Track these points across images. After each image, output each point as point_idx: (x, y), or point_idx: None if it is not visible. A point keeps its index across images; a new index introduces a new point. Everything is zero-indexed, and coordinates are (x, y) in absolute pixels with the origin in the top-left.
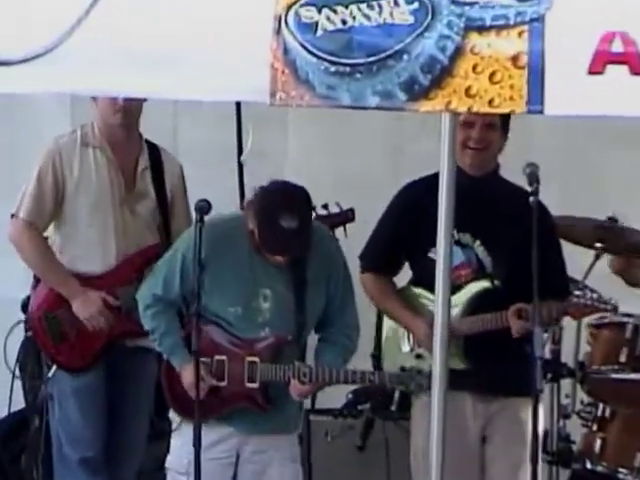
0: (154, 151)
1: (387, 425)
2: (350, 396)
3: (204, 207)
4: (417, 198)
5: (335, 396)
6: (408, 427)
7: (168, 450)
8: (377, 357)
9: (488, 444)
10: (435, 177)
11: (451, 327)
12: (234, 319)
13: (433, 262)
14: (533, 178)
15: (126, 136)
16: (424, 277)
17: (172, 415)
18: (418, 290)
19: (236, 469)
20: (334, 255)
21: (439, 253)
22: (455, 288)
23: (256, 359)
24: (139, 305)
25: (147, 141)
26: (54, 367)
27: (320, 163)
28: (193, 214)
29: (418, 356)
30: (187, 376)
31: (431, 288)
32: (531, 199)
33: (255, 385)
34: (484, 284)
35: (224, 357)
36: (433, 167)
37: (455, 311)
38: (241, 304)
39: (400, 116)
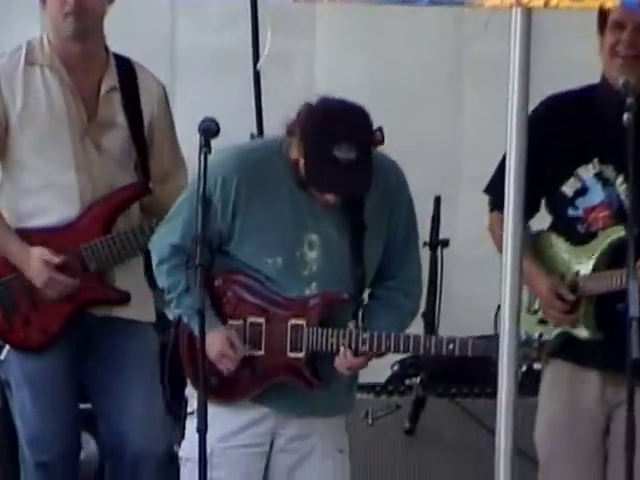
0: (126, 67)
1: (442, 404)
2: (396, 368)
3: (211, 128)
4: (560, 115)
5: (377, 368)
6: (468, 406)
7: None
8: (430, 317)
9: (612, 438)
10: (583, 91)
11: (579, 285)
12: (273, 273)
13: (565, 200)
14: None
15: (84, 49)
16: (558, 220)
17: (189, 392)
18: (553, 238)
19: (268, 461)
20: (397, 190)
21: (508, 198)
22: (588, 236)
23: (302, 322)
24: (152, 259)
25: (116, 55)
26: (6, 347)
27: (355, 71)
28: (187, 153)
29: (542, 321)
30: (214, 344)
31: (566, 236)
32: None
33: (300, 354)
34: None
35: (261, 320)
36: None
37: (587, 265)
38: (282, 254)
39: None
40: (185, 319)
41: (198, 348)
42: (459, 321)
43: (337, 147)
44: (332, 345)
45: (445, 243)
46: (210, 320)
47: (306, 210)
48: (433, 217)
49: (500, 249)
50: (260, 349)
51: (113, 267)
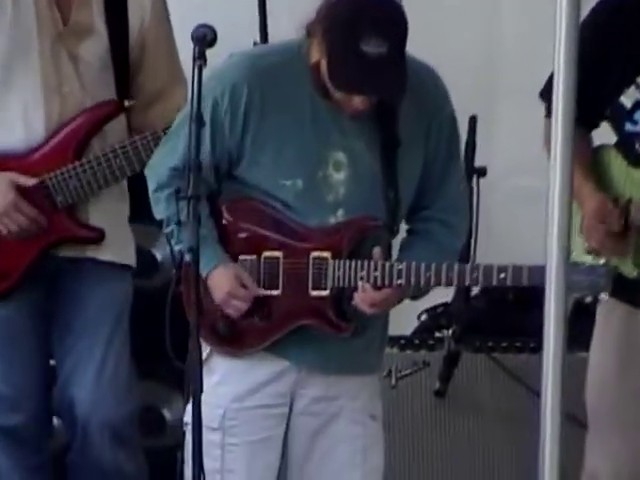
0: None
1: (479, 360)
2: (424, 318)
3: (206, 35)
4: (618, 19)
5: (401, 318)
6: (508, 363)
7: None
8: (465, 255)
9: None
10: None
11: (630, 213)
12: (292, 198)
13: (624, 112)
14: None
15: None
16: (617, 136)
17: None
18: (612, 155)
19: (287, 426)
20: (437, 102)
21: (556, 107)
22: None
23: (326, 255)
24: (148, 185)
25: None
26: None
27: None
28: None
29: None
30: (221, 284)
31: (624, 154)
32: None
33: (324, 293)
34: None
35: (278, 254)
36: None
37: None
38: (302, 175)
39: None
40: (186, 256)
41: (198, 293)
42: (498, 260)
43: (365, 40)
44: (362, 280)
45: (482, 172)
46: (216, 256)
47: (331, 123)
48: (467, 141)
49: None
50: (277, 288)
51: (85, 200)
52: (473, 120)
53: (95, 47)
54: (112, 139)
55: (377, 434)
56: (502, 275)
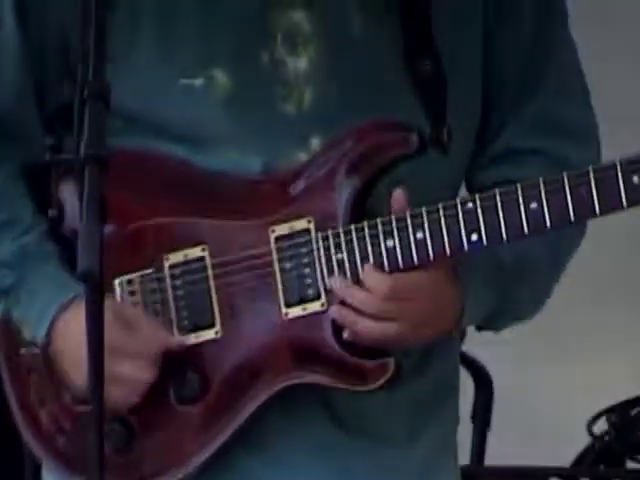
0: None
1: None
2: (599, 428)
3: None
4: None
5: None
6: None
7: None
8: None
9: None
10: None
11: None
12: (207, 117)
13: None
14: None
15: None
16: None
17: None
18: None
19: None
20: None
21: None
22: None
23: (304, 224)
24: None
25: None
26: None
27: None
28: None
29: None
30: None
31: None
32: None
33: (315, 306)
34: None
35: (198, 251)
36: None
37: None
38: (223, 62)
39: None
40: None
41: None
42: None
43: None
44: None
45: None
46: (59, 291)
47: None
48: None
49: None
50: (211, 326)
51: None
52: None
53: None
54: None
55: None
56: None
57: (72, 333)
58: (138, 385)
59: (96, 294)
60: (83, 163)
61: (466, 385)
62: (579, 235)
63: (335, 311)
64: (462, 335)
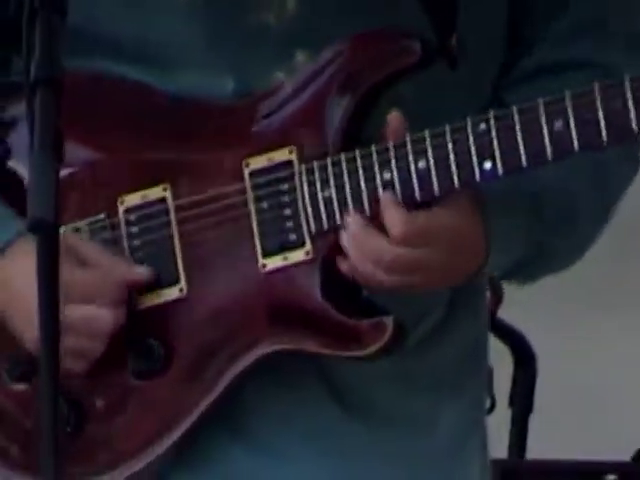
0: None
1: None
2: None
3: None
4: None
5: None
6: None
7: None
8: None
9: None
10: None
11: None
12: (169, 32)
13: None
14: None
15: None
16: None
17: None
18: None
19: None
20: None
21: None
22: None
23: (286, 155)
24: None
25: None
26: None
27: None
28: None
29: None
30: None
31: None
32: None
33: (300, 255)
34: None
35: (158, 192)
36: None
37: None
38: None
39: None
40: None
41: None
42: None
43: None
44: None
45: None
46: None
47: None
48: None
49: None
50: (175, 282)
51: None
52: None
53: None
54: None
55: None
56: None
57: (14, 283)
58: (99, 333)
59: (50, 247)
60: (34, 86)
61: (503, 361)
62: (632, 167)
63: (356, 258)
64: (498, 300)
